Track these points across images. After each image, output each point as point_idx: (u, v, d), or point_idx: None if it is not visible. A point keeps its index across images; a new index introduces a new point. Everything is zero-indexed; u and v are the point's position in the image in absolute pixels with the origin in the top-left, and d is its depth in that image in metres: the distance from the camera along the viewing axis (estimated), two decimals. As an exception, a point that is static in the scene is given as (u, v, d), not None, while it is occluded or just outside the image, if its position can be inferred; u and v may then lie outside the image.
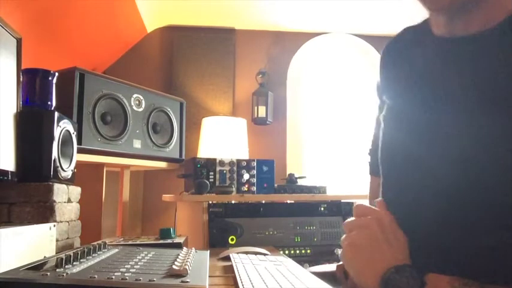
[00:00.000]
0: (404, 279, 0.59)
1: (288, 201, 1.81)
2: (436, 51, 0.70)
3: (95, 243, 0.93)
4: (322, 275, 0.87)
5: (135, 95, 1.77)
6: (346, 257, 0.66)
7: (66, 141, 1.20)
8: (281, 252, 1.37)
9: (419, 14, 0.76)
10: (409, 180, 0.76)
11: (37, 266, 0.69)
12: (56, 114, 1.13)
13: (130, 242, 1.14)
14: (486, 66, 0.62)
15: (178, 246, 1.15)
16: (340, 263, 0.88)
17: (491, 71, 0.61)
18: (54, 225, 1.01)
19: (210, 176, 1.85)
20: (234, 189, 1.81)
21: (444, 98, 0.66)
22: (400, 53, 0.80)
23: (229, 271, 0.95)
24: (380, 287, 0.61)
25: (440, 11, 0.67)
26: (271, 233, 1.64)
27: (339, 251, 1.70)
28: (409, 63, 0.76)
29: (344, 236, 0.69)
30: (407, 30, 0.80)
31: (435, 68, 0.69)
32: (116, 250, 0.94)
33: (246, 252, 1.15)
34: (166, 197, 2.02)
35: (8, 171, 0.98)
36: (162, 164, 1.96)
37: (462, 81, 0.64)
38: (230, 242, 1.56)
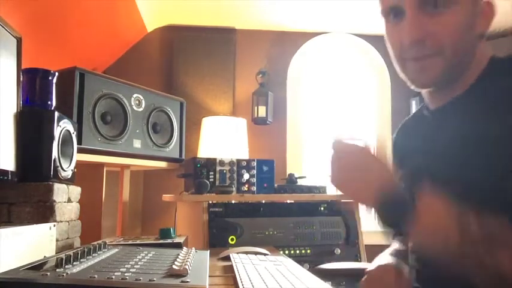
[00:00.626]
0: (397, 196, 0.67)
1: (288, 201, 1.81)
2: (427, 122, 0.86)
3: (95, 243, 0.93)
4: (344, 272, 0.91)
5: (135, 95, 1.77)
6: (339, 178, 0.75)
7: (66, 141, 1.20)
8: (281, 252, 1.38)
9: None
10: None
11: (37, 266, 0.69)
12: (56, 114, 1.13)
13: (130, 242, 1.14)
14: (462, 123, 0.75)
15: (178, 246, 1.15)
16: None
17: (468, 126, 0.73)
18: (54, 225, 1.01)
19: (210, 176, 1.85)
20: (234, 189, 1.81)
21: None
22: (409, 126, 0.98)
23: (229, 271, 0.95)
24: (376, 203, 0.69)
25: (424, 88, 0.82)
26: (271, 233, 1.64)
27: (339, 251, 1.71)
28: (415, 134, 0.92)
29: (332, 155, 0.76)
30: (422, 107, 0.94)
31: (428, 136, 0.84)
32: (116, 250, 0.94)
33: (246, 252, 1.15)
34: (166, 197, 2.02)
35: (8, 171, 0.98)
36: (162, 164, 1.96)
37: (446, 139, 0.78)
38: (230, 242, 1.56)
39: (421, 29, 0.74)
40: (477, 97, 0.73)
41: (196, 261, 0.86)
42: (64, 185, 1.14)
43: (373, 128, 2.87)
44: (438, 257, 0.66)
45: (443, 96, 0.80)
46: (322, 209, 1.77)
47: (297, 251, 1.64)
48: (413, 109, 2.58)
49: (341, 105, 2.86)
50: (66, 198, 1.15)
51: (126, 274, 0.65)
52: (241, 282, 0.76)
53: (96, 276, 0.62)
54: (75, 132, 1.27)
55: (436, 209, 0.64)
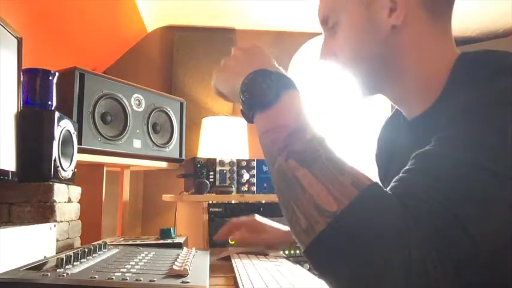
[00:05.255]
0: (263, 83, 0.61)
1: (288, 201, 1.81)
2: (403, 130, 0.82)
3: (95, 243, 0.93)
4: None
5: (135, 95, 1.77)
6: (218, 77, 0.76)
7: (66, 141, 1.20)
8: (281, 252, 1.38)
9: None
10: None
11: (37, 266, 0.69)
12: (56, 114, 1.13)
13: (130, 242, 1.14)
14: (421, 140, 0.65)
15: (179, 246, 1.15)
16: None
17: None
18: (55, 225, 1.01)
19: (210, 176, 1.85)
20: (234, 189, 1.81)
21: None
22: (388, 131, 0.92)
23: (229, 271, 0.95)
24: (240, 88, 0.64)
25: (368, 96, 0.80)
26: (271, 233, 1.63)
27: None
28: (392, 140, 0.88)
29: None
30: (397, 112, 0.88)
31: (402, 144, 0.80)
32: (116, 250, 0.94)
33: (246, 253, 1.15)
34: (167, 197, 2.02)
35: (8, 171, 0.98)
36: (162, 164, 1.96)
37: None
38: (230, 242, 1.56)
39: (325, 50, 0.83)
40: (447, 106, 0.65)
41: (197, 261, 0.86)
42: (64, 185, 1.14)
43: (373, 127, 2.87)
44: None
45: (416, 107, 0.74)
46: (322, 209, 1.76)
47: (297, 251, 1.63)
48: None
49: (341, 105, 2.86)
50: (67, 198, 1.15)
51: (126, 274, 0.65)
52: (241, 282, 0.76)
53: (96, 276, 0.62)
54: (75, 132, 1.27)
55: None
